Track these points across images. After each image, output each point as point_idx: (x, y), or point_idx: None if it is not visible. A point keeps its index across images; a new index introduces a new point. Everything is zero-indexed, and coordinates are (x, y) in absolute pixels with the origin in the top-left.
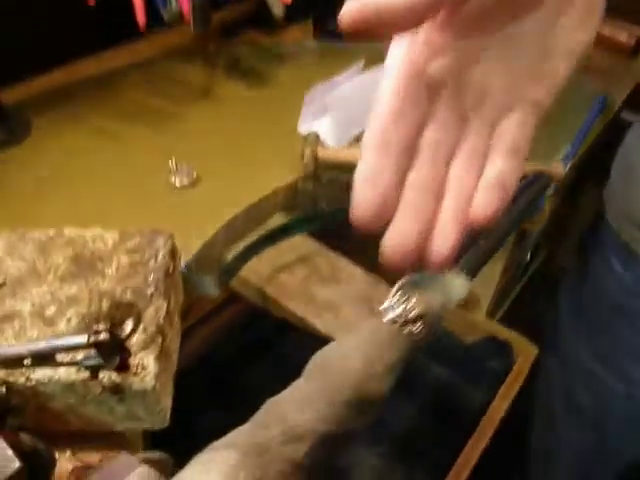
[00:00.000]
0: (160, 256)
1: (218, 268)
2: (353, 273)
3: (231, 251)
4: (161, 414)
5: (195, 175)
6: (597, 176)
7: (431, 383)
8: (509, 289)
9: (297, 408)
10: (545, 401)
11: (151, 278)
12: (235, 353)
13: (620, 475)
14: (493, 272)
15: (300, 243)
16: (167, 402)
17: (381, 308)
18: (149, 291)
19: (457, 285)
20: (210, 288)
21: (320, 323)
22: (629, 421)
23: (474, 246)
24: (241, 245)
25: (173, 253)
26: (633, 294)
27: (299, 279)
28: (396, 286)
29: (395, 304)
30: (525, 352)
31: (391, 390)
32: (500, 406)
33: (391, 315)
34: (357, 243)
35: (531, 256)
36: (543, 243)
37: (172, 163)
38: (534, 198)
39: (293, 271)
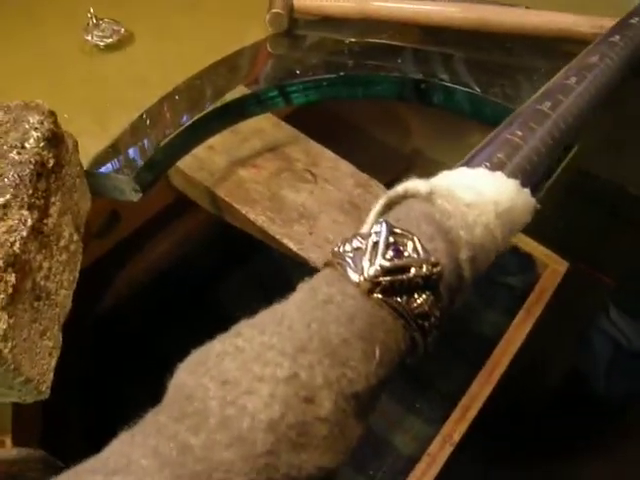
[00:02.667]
0: (29, 144)
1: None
2: (338, 169)
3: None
4: (29, 386)
5: (123, 32)
6: None
7: None
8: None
9: None
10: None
11: (8, 179)
12: (198, 270)
13: None
14: None
15: (268, 127)
16: (39, 369)
17: (336, 249)
18: (1, 199)
19: (509, 200)
20: (126, 191)
21: (288, 237)
22: None
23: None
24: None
25: (55, 139)
26: None
27: (264, 177)
28: (381, 201)
29: (374, 244)
30: (552, 267)
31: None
32: (518, 332)
33: (362, 270)
34: (346, 130)
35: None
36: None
37: (91, 15)
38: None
39: (257, 166)
